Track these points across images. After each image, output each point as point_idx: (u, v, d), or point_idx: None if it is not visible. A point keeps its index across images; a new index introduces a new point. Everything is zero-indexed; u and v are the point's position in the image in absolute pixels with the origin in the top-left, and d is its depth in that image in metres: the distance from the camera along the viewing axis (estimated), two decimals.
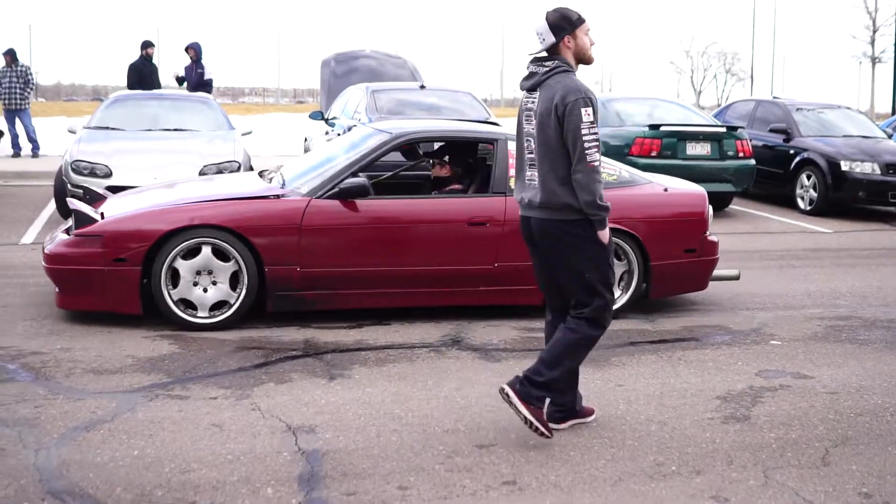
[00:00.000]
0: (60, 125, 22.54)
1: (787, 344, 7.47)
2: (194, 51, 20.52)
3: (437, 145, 9.15)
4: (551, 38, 5.20)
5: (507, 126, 15.18)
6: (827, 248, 12.43)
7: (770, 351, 7.27)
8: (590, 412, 5.60)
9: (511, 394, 5.11)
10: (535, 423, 5.08)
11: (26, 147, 21.70)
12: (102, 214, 7.66)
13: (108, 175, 11.52)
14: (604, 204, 5.06)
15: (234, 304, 7.43)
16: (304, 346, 7.05)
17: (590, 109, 5.04)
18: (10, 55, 21.60)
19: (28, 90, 21.85)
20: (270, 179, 8.29)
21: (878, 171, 15.22)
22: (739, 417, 5.74)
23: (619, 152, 14.81)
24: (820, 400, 6.13)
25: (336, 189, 7.61)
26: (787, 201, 16.27)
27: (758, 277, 10.10)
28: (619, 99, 16.95)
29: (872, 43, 60.59)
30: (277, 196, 7.67)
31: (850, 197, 15.33)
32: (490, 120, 14.26)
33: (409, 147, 8.67)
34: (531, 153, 5.26)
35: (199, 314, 7.42)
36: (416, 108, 14.52)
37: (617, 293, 7.98)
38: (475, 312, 8.13)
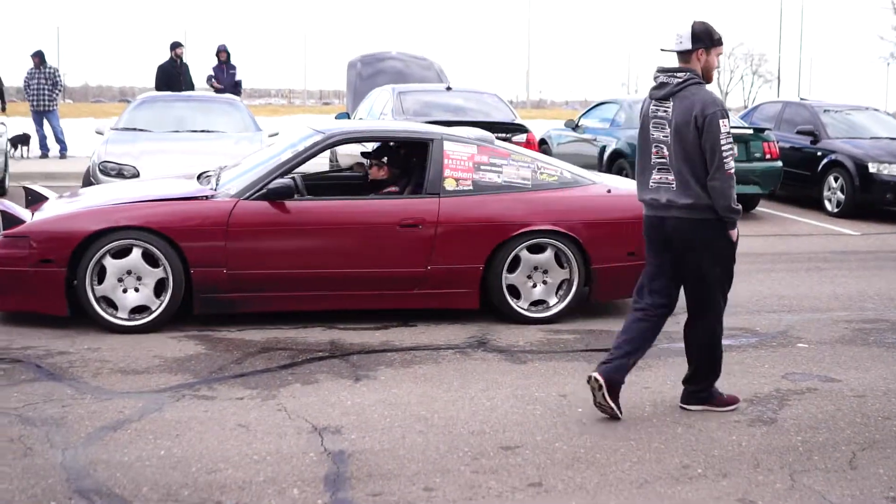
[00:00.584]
0: (88, 126, 22.63)
1: (814, 347, 7.44)
2: (225, 53, 20.59)
3: (373, 146, 9.14)
4: (688, 45, 5.62)
5: (534, 127, 15.24)
6: (854, 250, 12.36)
7: (797, 354, 7.23)
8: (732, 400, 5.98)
9: (695, 407, 5.87)
10: (725, 409, 5.88)
11: (54, 148, 21.82)
12: (34, 215, 7.67)
13: (136, 176, 11.57)
14: (736, 207, 5.65)
15: (156, 309, 7.32)
16: (330, 348, 7.06)
17: (726, 121, 5.51)
18: (39, 57, 21.72)
19: (56, 92, 21.97)
20: (208, 181, 8.18)
21: None
22: (766, 420, 5.72)
23: None
24: (847, 403, 6.10)
25: (264, 190, 7.51)
26: (814, 203, 16.19)
27: (785, 280, 10.06)
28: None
29: None
30: (207, 197, 7.57)
31: (877, 199, 15.23)
32: (516, 121, 14.27)
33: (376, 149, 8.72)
34: (662, 158, 5.67)
35: (119, 315, 7.32)
36: (442, 110, 14.52)
37: (554, 300, 7.94)
38: (502, 315, 8.13)
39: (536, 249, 7.84)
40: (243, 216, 7.44)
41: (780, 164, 15.22)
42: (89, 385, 6.08)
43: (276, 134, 15.06)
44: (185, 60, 20.43)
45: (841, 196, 15.44)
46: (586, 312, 8.27)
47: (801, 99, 19.29)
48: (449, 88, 15.63)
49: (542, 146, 18.03)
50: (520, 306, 7.85)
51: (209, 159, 11.93)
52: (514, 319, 7.82)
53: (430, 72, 21.23)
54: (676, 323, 8.00)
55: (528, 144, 13.79)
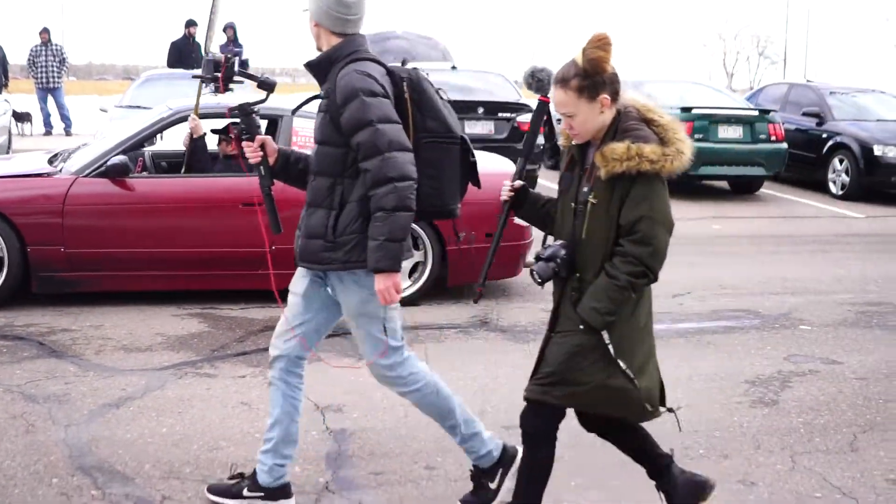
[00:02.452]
0: (92, 104, 22.66)
1: (817, 329, 7.44)
2: (232, 30, 20.56)
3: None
4: None
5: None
6: (858, 233, 12.35)
7: (800, 336, 7.23)
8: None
9: None
10: None
11: (58, 126, 21.83)
12: None
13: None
14: None
15: None
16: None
17: None
18: (47, 33, 21.74)
19: (63, 69, 21.98)
20: (60, 159, 8.01)
21: None
22: (768, 402, 5.73)
23: None
24: (849, 385, 6.10)
25: (103, 167, 7.38)
26: (819, 186, 16.16)
27: (789, 262, 10.05)
28: (651, 81, 16.85)
29: None
30: (48, 175, 7.48)
31: (882, 181, 15.20)
32: (521, 101, 14.24)
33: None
34: None
35: None
36: (448, 89, 14.38)
37: (408, 282, 7.71)
38: (504, 293, 8.13)
39: None
40: (81, 194, 7.32)
41: (785, 145, 15.19)
42: (91, 362, 6.10)
43: None
44: (197, 39, 20.40)
45: (846, 178, 15.42)
46: None
47: (808, 81, 19.24)
48: (454, 68, 15.60)
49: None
50: None
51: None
52: None
53: (435, 51, 21.17)
54: (679, 304, 8.02)
55: None
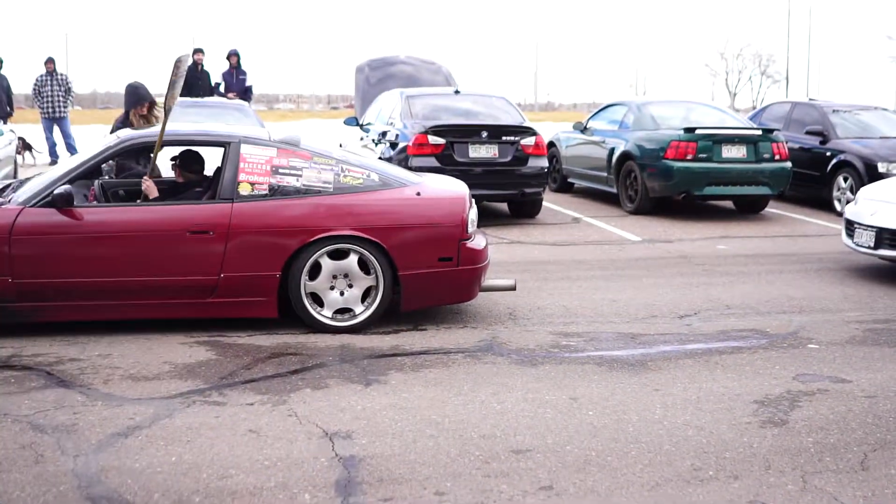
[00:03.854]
0: (97, 133, 22.72)
1: (825, 347, 7.42)
2: (236, 57, 20.65)
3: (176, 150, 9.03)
4: None
5: (542, 129, 15.23)
6: None
7: (808, 354, 7.22)
8: None
9: None
10: None
11: (64, 155, 21.90)
12: None
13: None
14: None
15: None
16: (339, 352, 7.06)
17: None
18: (52, 63, 21.87)
19: (69, 98, 22.09)
20: (11, 189, 7.98)
21: None
22: (777, 422, 5.71)
23: (654, 155, 14.79)
24: (858, 404, 6.08)
25: (49, 197, 7.33)
26: (823, 204, 16.17)
27: (795, 281, 10.04)
28: (654, 102, 16.91)
29: None
30: None
31: None
32: (524, 124, 14.28)
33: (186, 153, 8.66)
34: None
35: None
36: (451, 113, 14.55)
37: (360, 308, 7.64)
38: (512, 317, 8.13)
39: (338, 255, 7.57)
40: (28, 224, 7.27)
41: (789, 164, 15.20)
42: (100, 392, 6.09)
43: None
44: (205, 68, 20.48)
45: (851, 196, 15.39)
46: (594, 316, 8.27)
47: (810, 99, 19.26)
48: (457, 92, 15.65)
49: (551, 148, 18.03)
50: (323, 314, 7.59)
51: (214, 165, 11.98)
52: (317, 328, 7.59)
53: (438, 76, 21.28)
54: (686, 325, 8.01)
55: (536, 147, 13.82)
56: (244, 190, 7.54)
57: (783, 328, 8.01)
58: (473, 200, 8.25)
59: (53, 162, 21.65)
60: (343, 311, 7.65)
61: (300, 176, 7.66)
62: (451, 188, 8.30)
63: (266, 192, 7.57)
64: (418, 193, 7.88)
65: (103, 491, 4.62)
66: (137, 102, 10.15)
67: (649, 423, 5.65)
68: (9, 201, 7.47)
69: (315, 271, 7.57)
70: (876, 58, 78.52)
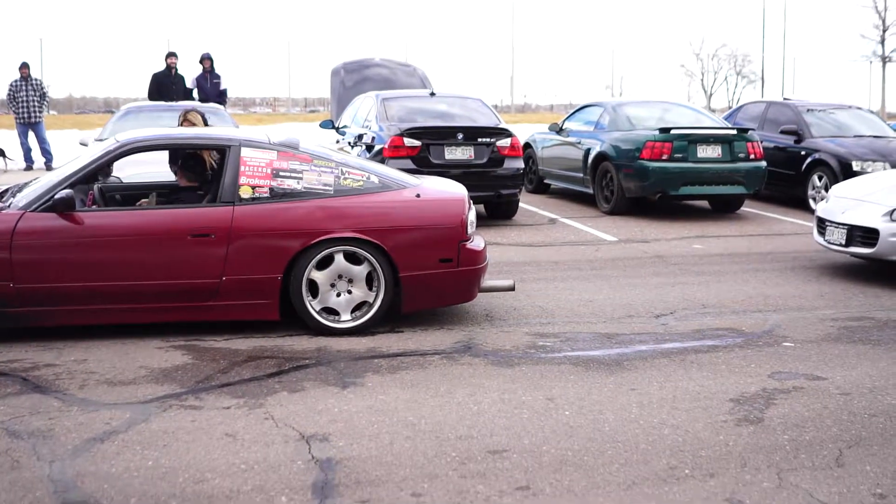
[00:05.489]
0: (72, 138, 22.66)
1: (800, 345, 7.46)
2: (209, 61, 20.58)
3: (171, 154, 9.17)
4: None
5: (518, 130, 15.26)
6: None
7: (783, 352, 7.25)
8: None
9: None
10: None
11: (38, 160, 21.84)
12: None
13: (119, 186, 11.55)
14: None
15: None
16: (316, 355, 7.06)
17: None
18: (27, 68, 21.78)
19: (44, 103, 22.02)
20: (10, 194, 7.95)
21: None
22: (753, 420, 5.74)
23: (630, 156, 14.84)
24: (833, 401, 6.12)
25: (50, 201, 7.34)
26: (799, 202, 16.26)
27: (770, 279, 10.08)
28: (630, 103, 16.96)
29: (882, 42, 60.40)
30: None
31: None
32: (500, 126, 14.31)
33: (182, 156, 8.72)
34: None
35: None
36: (427, 116, 14.57)
37: (347, 316, 7.64)
38: (488, 318, 8.15)
39: (340, 257, 7.59)
40: (29, 228, 7.26)
41: (764, 163, 15.28)
42: (76, 397, 6.07)
43: None
44: (179, 71, 20.42)
45: (825, 195, 15.46)
46: (571, 316, 8.29)
47: (785, 98, 19.36)
48: (433, 94, 15.66)
49: (527, 150, 18.09)
50: (324, 316, 7.60)
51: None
52: (319, 331, 7.60)
53: (414, 78, 21.30)
54: (662, 324, 8.04)
55: (512, 149, 13.85)
56: (245, 193, 7.56)
57: (758, 327, 8.04)
58: (472, 202, 8.28)
59: (28, 168, 21.57)
60: (344, 312, 7.66)
61: (301, 178, 7.69)
62: (451, 190, 8.34)
63: (267, 194, 7.59)
64: (418, 195, 7.93)
65: (79, 496, 4.60)
66: None
67: (625, 422, 5.67)
68: (9, 206, 7.45)
69: (321, 269, 7.59)
70: (850, 57, 78.69)
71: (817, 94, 66.04)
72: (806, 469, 5.01)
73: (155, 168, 11.64)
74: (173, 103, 16.95)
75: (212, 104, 17.25)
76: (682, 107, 17.64)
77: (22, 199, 7.52)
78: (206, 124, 10.70)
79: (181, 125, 10.47)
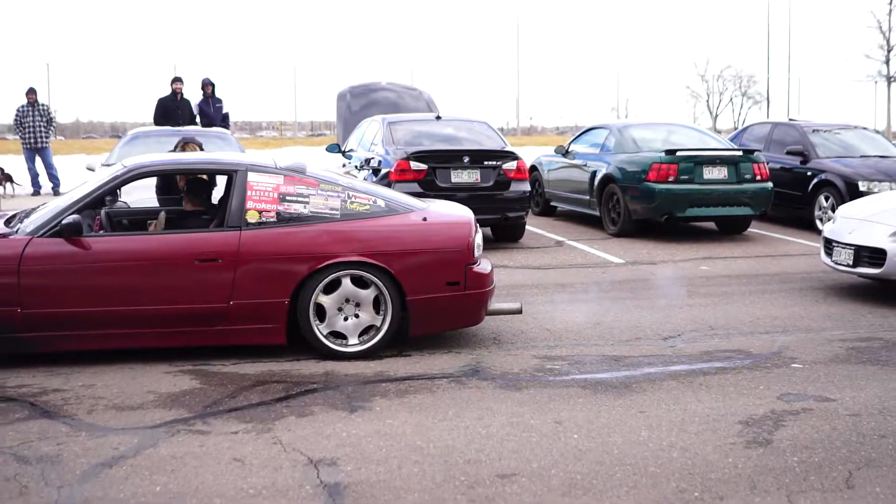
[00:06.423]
0: (79, 162, 22.71)
1: (809, 366, 7.44)
2: (211, 87, 20.63)
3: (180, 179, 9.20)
4: None
5: (524, 153, 15.27)
6: None
7: (791, 374, 7.24)
8: None
9: None
10: None
11: (46, 185, 21.89)
12: None
13: (126, 210, 11.58)
14: None
15: None
16: (324, 379, 7.06)
17: None
18: (34, 94, 21.88)
19: (51, 128, 22.11)
20: (17, 220, 7.95)
21: None
22: (762, 442, 5.72)
23: (636, 178, 14.85)
24: (842, 422, 6.10)
25: (57, 227, 7.35)
26: (805, 224, 16.24)
27: (778, 300, 10.07)
28: (636, 125, 16.98)
29: (887, 62, 60.43)
30: (2, 236, 7.42)
31: None
32: (506, 149, 14.33)
33: (170, 181, 8.83)
34: None
35: None
36: (433, 139, 14.60)
37: (354, 340, 7.63)
38: (496, 341, 8.14)
39: (346, 281, 7.59)
40: (36, 254, 7.28)
41: (770, 184, 15.27)
42: (84, 422, 6.07)
43: None
44: (185, 96, 20.47)
45: (832, 215, 15.44)
46: (578, 339, 8.28)
47: (791, 119, 19.37)
48: (439, 118, 15.69)
49: (533, 172, 18.09)
50: (331, 340, 7.60)
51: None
52: (326, 355, 7.59)
53: (420, 102, 21.35)
54: (670, 346, 8.03)
55: (518, 171, 13.86)
56: (252, 217, 7.56)
57: (767, 348, 8.03)
58: (478, 225, 8.29)
59: (36, 193, 21.62)
60: (351, 336, 7.65)
61: (307, 203, 7.69)
62: (457, 213, 8.33)
63: (274, 219, 7.59)
64: (424, 219, 7.93)
65: None
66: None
67: (634, 445, 5.66)
68: (16, 231, 7.47)
69: (328, 292, 7.58)
70: (856, 77, 78.68)
71: (823, 114, 66.05)
72: (816, 491, 5.00)
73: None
74: (180, 128, 17.00)
75: (218, 129, 17.29)
76: (687, 128, 17.67)
77: (29, 224, 7.53)
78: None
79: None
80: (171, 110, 19.87)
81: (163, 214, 8.44)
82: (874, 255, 9.88)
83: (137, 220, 8.76)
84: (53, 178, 21.89)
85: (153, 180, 9.88)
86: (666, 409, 6.37)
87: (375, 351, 7.63)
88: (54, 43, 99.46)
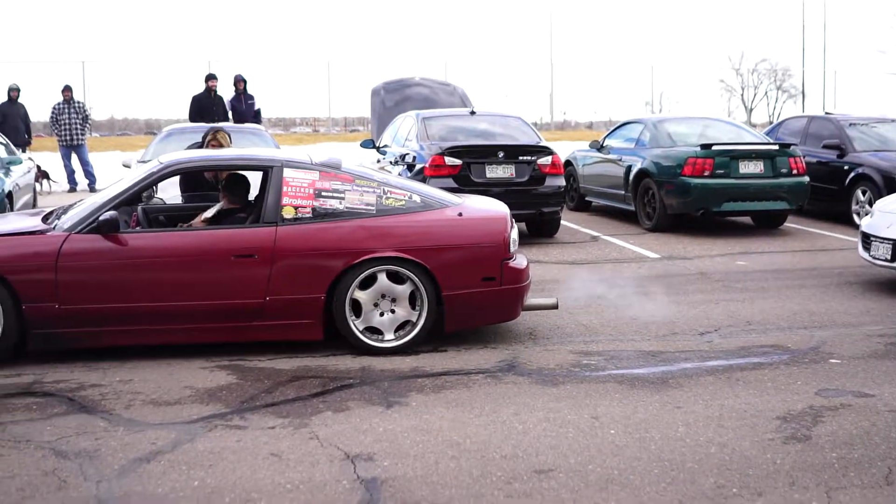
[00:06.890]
0: (115, 159, 22.84)
1: (847, 362, 7.39)
2: (243, 83, 20.70)
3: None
4: None
5: (558, 148, 15.24)
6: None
7: (829, 369, 7.19)
8: None
9: None
10: None
11: (82, 182, 22.02)
12: None
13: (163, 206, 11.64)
14: None
15: None
16: (360, 374, 7.06)
17: None
18: (70, 91, 22.01)
19: (87, 125, 22.24)
20: (57, 217, 7.96)
21: None
22: (800, 437, 5.68)
23: (671, 173, 14.78)
24: (882, 418, 6.05)
25: (94, 223, 7.38)
26: (842, 218, 16.12)
27: (815, 295, 10.00)
28: (671, 119, 16.91)
29: None
30: (41, 232, 7.46)
31: None
32: (541, 144, 14.30)
33: (194, 177, 8.86)
34: None
35: None
36: (467, 134, 14.59)
37: (405, 329, 7.64)
38: (532, 336, 8.13)
39: (383, 277, 7.59)
40: (74, 250, 7.32)
41: (807, 179, 15.17)
42: (121, 417, 6.11)
43: None
44: (219, 93, 20.54)
45: (869, 209, 15.32)
46: (615, 334, 8.26)
47: (827, 113, 19.21)
48: (473, 113, 15.68)
49: (568, 167, 18.04)
50: (367, 336, 7.59)
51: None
52: (362, 350, 7.58)
53: (454, 97, 21.35)
54: (707, 342, 7.99)
55: (553, 166, 13.83)
56: (288, 213, 7.58)
57: (804, 343, 7.98)
58: (514, 220, 8.28)
59: (72, 189, 21.76)
60: (387, 331, 7.66)
61: (343, 198, 7.70)
62: (493, 208, 8.33)
63: (309, 215, 7.61)
64: (460, 214, 7.93)
65: None
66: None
67: (671, 440, 5.63)
68: (54, 228, 7.53)
69: (365, 288, 7.59)
70: (891, 70, 77.91)
71: (859, 107, 65.52)
72: (855, 487, 4.96)
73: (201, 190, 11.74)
74: (214, 124, 17.07)
75: (252, 125, 17.35)
76: (722, 122, 17.58)
77: (67, 220, 7.58)
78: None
79: (208, 145, 10.53)
80: (205, 107, 19.94)
81: (214, 208, 8.45)
82: None
83: (175, 217, 8.80)
84: (89, 174, 22.01)
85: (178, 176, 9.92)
86: (703, 404, 6.34)
87: (411, 346, 7.63)
88: (90, 41, 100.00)
